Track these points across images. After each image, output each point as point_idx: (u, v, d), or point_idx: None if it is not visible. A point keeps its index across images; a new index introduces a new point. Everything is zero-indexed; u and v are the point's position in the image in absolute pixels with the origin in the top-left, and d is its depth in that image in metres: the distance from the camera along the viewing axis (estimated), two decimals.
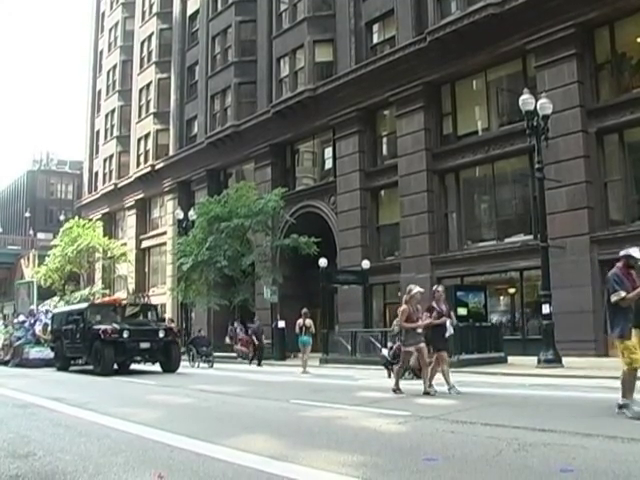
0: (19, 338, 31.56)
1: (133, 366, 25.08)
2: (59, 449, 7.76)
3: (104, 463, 6.89)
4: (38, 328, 31.05)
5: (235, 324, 39.00)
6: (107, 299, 31.30)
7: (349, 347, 28.28)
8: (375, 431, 8.86)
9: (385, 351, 20.78)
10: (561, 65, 25.84)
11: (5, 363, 31.33)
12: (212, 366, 28.60)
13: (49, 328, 29.48)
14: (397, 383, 14.41)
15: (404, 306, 13.97)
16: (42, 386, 18.76)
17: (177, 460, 6.97)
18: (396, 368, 15.13)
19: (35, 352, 29.71)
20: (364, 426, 9.30)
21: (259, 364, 29.96)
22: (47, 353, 28.52)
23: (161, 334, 23.58)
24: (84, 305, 28.07)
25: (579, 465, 6.30)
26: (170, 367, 23.81)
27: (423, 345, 13.96)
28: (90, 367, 24.38)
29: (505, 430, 8.60)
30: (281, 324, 33.01)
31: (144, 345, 23.20)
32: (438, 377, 14.19)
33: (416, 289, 14.11)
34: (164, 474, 6.16)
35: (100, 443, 8.21)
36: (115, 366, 23.57)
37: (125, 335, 22.54)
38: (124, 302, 28.17)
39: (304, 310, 25.69)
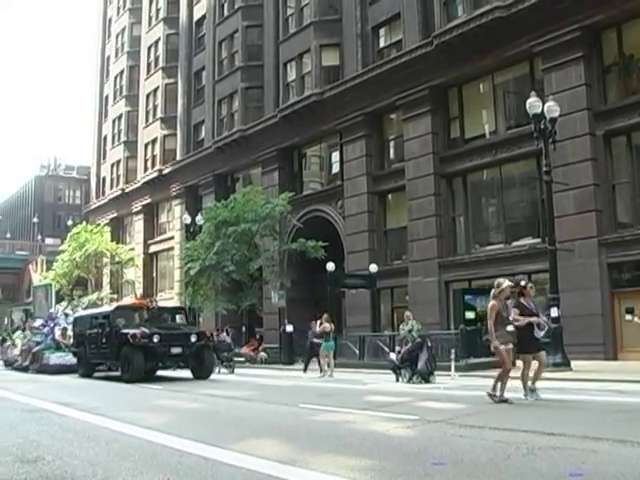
0: (38, 343, 30.25)
1: (158, 372, 23.35)
2: (68, 454, 7.77)
3: (113, 468, 6.90)
4: (58, 332, 29.66)
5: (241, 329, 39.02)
6: (134, 301, 29.51)
7: (357, 351, 28.26)
8: (383, 435, 8.84)
9: (393, 355, 20.77)
10: (568, 68, 25.81)
11: (24, 369, 30.09)
12: (233, 372, 27.76)
13: (69, 332, 28.48)
14: (503, 389, 12.73)
15: (493, 302, 12.70)
16: (50, 391, 18.77)
17: (185, 465, 6.97)
18: (498, 373, 12.99)
19: (56, 357, 28.09)
20: (372, 430, 9.29)
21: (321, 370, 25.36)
22: (69, 358, 27.15)
23: (193, 338, 22.02)
24: (110, 308, 26.86)
25: (588, 469, 6.28)
26: (202, 373, 22.31)
27: (511, 346, 12.76)
28: (114, 373, 23.55)
29: (513, 434, 8.57)
30: (289, 328, 33.01)
31: (175, 350, 21.60)
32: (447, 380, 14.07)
33: (506, 283, 12.88)
34: (172, 479, 6.16)
35: (109, 448, 8.22)
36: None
37: (155, 339, 21.03)
38: (152, 305, 27.39)
39: (326, 315, 25.56)
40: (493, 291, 12.94)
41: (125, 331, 21.65)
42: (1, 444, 8.56)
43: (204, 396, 15.82)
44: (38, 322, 34.51)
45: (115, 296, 55.74)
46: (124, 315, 23.88)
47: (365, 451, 7.61)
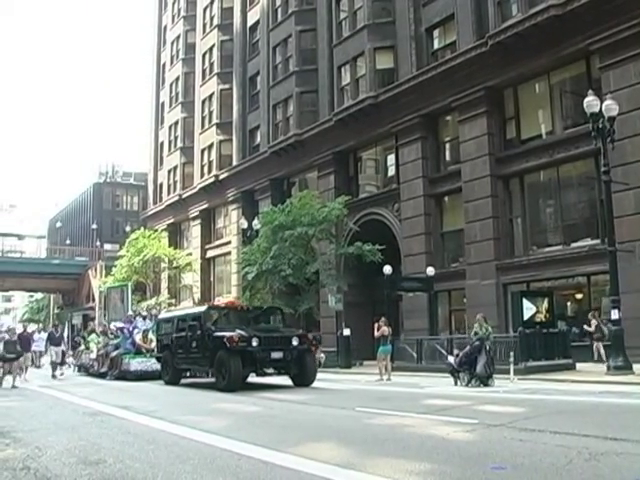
0: (116, 347, 28.80)
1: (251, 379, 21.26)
2: (128, 456, 7.87)
3: (173, 471, 6.97)
4: (138, 336, 27.99)
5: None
6: (225, 301, 26.95)
7: (415, 355, 28.14)
8: (442, 439, 8.79)
9: (451, 358, 20.61)
10: (627, 65, 25.34)
11: (101, 375, 28.66)
12: None
13: (150, 336, 27.40)
14: None
15: None
16: (110, 394, 19.03)
17: (244, 468, 7.00)
18: None
19: (137, 363, 26.55)
20: (431, 434, 9.24)
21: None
22: (150, 364, 25.85)
23: (294, 342, 20.01)
24: (201, 309, 24.06)
25: None
26: (304, 380, 20.29)
27: None
28: (200, 380, 23.14)
29: (575, 438, 8.45)
30: (346, 332, 32.93)
31: (276, 355, 19.59)
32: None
33: None
34: None
35: (168, 451, 8.30)
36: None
37: (254, 343, 19.07)
38: (246, 305, 25.28)
39: (384, 319, 25.41)
40: None
41: (220, 334, 19.73)
42: (64, 446, 8.73)
43: (262, 400, 15.88)
44: (113, 325, 33.64)
45: (173, 301, 56.36)
46: (216, 317, 22.22)
47: (424, 455, 7.57)
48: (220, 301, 27.76)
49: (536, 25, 27.75)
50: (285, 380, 20.89)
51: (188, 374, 23.88)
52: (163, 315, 28.45)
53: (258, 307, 25.77)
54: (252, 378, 21.05)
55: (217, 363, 19.65)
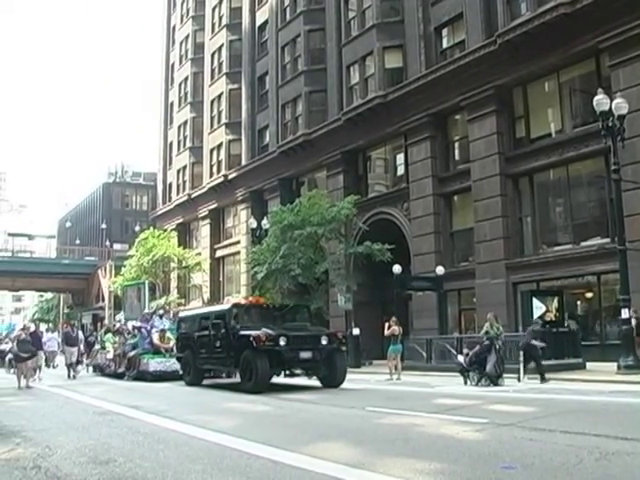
0: (134, 347, 28.08)
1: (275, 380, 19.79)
2: (138, 456, 7.89)
3: (182, 470, 6.98)
4: (156, 336, 27.13)
5: None
6: (250, 299, 25.81)
7: (424, 354, 28.11)
8: (452, 438, 8.78)
9: (461, 358, 20.60)
10: (636, 63, 25.20)
11: (118, 375, 27.93)
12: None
13: (168, 335, 26.75)
14: None
15: None
16: (120, 394, 19.06)
17: (254, 468, 7.01)
18: None
19: (156, 363, 25.67)
20: (441, 433, 9.23)
21: (542, 379, 19.62)
22: (170, 364, 25.09)
23: (324, 341, 19.14)
24: (225, 306, 23.29)
25: None
26: (333, 381, 19.43)
27: None
28: (221, 380, 22.79)
29: (585, 438, 8.43)
30: (356, 331, 32.88)
31: (305, 355, 18.70)
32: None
33: None
34: None
35: (178, 450, 8.32)
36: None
37: (282, 343, 18.19)
38: (271, 303, 24.48)
39: (394, 318, 25.34)
40: None
41: (246, 333, 18.83)
42: (75, 446, 8.76)
43: (272, 399, 15.86)
44: (131, 324, 33.09)
45: (182, 301, 56.43)
46: (241, 315, 20.85)
47: (434, 454, 7.57)
48: (230, 301, 27.53)
49: (545, 23, 27.67)
50: (295, 380, 20.78)
51: (211, 374, 23.33)
52: (184, 314, 27.68)
53: (284, 305, 24.69)
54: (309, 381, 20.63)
55: (243, 363, 18.85)
